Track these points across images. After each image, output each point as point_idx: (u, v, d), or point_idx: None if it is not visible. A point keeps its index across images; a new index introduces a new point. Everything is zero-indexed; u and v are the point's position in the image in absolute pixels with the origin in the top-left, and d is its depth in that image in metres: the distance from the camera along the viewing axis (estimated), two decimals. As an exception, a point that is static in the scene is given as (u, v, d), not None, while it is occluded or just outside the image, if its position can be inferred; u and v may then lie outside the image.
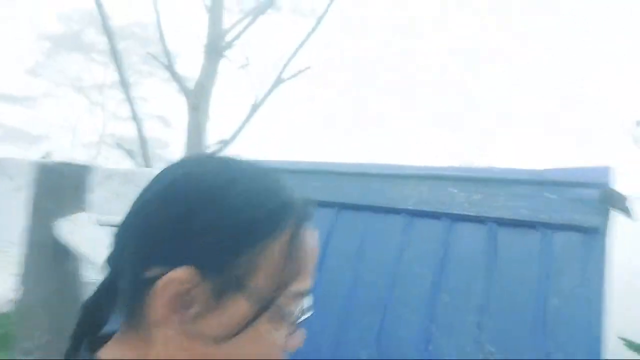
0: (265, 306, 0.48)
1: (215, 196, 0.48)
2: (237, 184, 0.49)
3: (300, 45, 9.36)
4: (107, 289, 0.52)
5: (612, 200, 1.93)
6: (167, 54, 9.16)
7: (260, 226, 0.48)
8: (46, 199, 1.70)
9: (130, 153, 8.61)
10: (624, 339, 3.49)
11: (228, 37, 9.56)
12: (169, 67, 9.26)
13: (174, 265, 0.46)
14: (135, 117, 8.76)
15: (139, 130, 8.70)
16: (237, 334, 0.47)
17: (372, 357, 1.98)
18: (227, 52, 9.61)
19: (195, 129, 9.26)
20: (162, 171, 0.53)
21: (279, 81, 9.35)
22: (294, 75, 9.53)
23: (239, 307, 0.48)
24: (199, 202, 0.47)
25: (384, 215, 2.32)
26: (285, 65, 9.34)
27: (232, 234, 0.47)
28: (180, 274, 0.46)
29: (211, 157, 0.54)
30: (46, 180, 1.74)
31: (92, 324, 0.54)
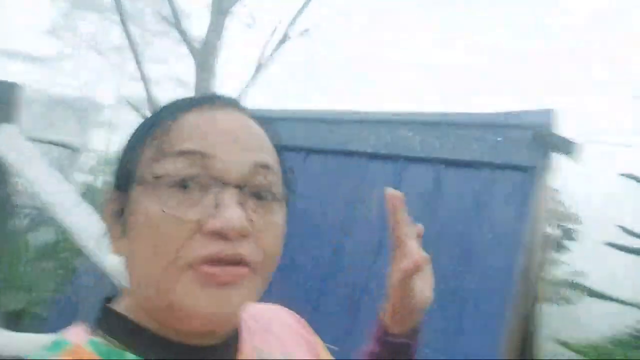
0: (120, 182, 0.50)
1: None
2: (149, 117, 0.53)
3: (307, 3, 9.25)
4: None
5: (548, 142, 2.03)
6: (174, 12, 9.19)
7: (137, 134, 0.52)
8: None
9: (139, 110, 8.83)
10: (562, 342, 3.56)
11: (234, -5, 9.50)
12: (177, 26, 9.30)
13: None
14: (143, 77, 8.91)
15: (147, 90, 8.86)
16: (124, 227, 0.49)
17: (328, 287, 2.17)
18: (233, 10, 9.57)
19: (203, 88, 9.38)
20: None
21: (284, 39, 9.33)
22: (300, 34, 9.48)
23: (115, 200, 0.51)
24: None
25: (344, 158, 2.46)
26: (290, 23, 9.30)
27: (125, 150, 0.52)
28: (107, 191, 0.51)
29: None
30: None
31: None
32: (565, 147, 2.23)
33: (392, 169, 2.33)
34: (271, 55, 9.39)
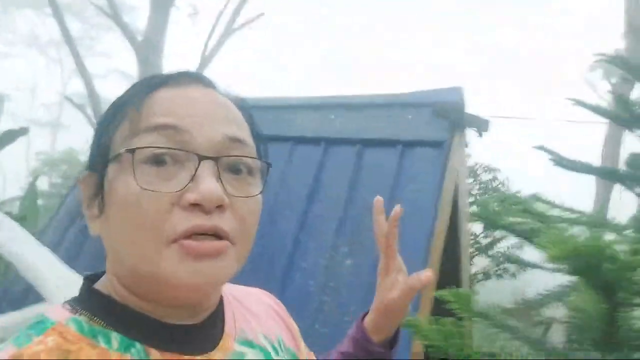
0: (94, 162, 0.51)
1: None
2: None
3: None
4: None
5: (456, 118, 2.17)
6: (112, 5, 8.92)
7: (112, 112, 0.52)
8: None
9: (80, 108, 8.56)
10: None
11: (175, -14, 9.32)
12: (116, 19, 9.04)
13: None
14: (82, 72, 8.63)
15: (87, 85, 8.59)
16: (101, 206, 0.49)
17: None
18: (176, 2, 9.38)
19: (148, 82, 9.15)
20: None
21: (229, 31, 9.27)
22: (245, 24, 9.44)
23: (90, 181, 0.52)
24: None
25: (272, 144, 2.53)
26: (235, 14, 9.24)
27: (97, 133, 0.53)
28: (83, 176, 0.53)
29: None
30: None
31: None
32: (475, 123, 2.39)
33: (317, 151, 2.42)
34: (216, 47, 9.31)
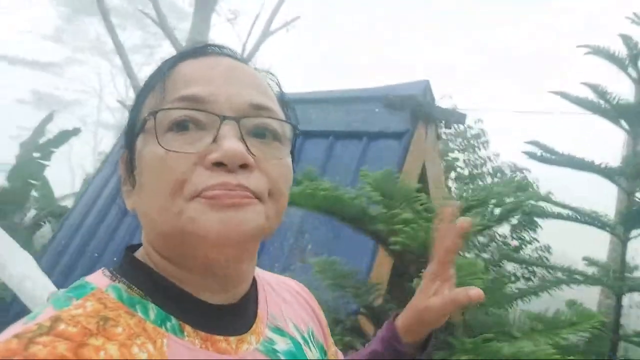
0: (128, 139, 0.51)
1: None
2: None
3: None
4: None
5: (419, 110, 2.24)
6: (157, 10, 9.47)
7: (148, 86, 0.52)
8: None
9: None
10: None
11: (216, -8, 9.75)
12: (160, 24, 9.59)
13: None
14: (131, 77, 9.25)
15: (135, 89, 9.20)
16: (133, 180, 0.50)
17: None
18: (216, 7, 9.82)
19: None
20: None
21: (266, 34, 9.58)
22: (281, 27, 9.72)
23: (125, 158, 0.52)
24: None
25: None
26: (271, 17, 9.53)
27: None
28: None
29: None
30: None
31: None
32: (447, 115, 2.45)
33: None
34: (253, 50, 9.65)
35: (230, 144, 0.45)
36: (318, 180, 1.29)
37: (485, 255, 5.05)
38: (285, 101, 0.56)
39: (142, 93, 0.52)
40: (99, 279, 0.48)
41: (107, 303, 0.45)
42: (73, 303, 0.44)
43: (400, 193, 1.36)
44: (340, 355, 0.70)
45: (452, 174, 5.35)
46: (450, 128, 2.42)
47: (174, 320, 0.47)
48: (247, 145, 0.47)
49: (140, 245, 0.53)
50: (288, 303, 0.61)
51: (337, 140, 2.46)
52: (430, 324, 0.65)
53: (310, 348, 0.58)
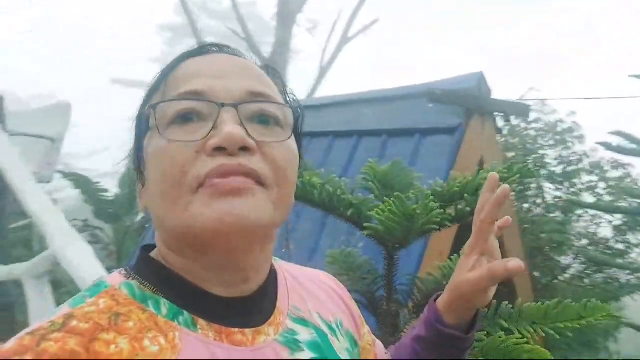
0: (140, 124, 0.51)
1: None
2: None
3: (360, 5, 9.55)
4: None
5: (471, 103, 2.18)
6: (243, 27, 10.07)
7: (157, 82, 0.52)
8: None
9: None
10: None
11: (298, 4, 10.13)
12: (247, 40, 10.17)
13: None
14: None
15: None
16: (139, 163, 0.51)
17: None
18: (297, 18, 10.19)
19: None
20: None
21: (345, 40, 9.72)
22: (359, 32, 9.80)
23: (135, 159, 0.53)
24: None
25: (311, 139, 2.80)
26: (349, 24, 9.66)
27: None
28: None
29: None
30: None
31: None
32: (505, 108, 2.33)
33: (349, 143, 2.61)
34: (332, 57, 9.85)
35: (229, 128, 0.46)
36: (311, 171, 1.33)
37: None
38: (287, 92, 0.56)
39: (148, 94, 0.53)
40: (115, 277, 0.49)
41: (120, 299, 0.46)
42: (87, 301, 0.45)
43: (401, 183, 1.34)
44: (379, 343, 0.68)
45: (543, 172, 4.99)
46: (508, 120, 2.30)
47: (186, 315, 0.47)
48: (247, 130, 0.47)
49: (152, 245, 0.54)
50: (313, 294, 0.60)
51: (389, 138, 2.45)
52: (470, 300, 0.61)
53: (337, 338, 0.56)
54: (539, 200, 5.00)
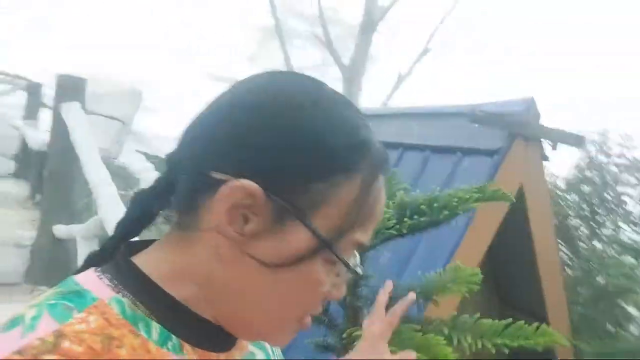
0: (326, 245, 0.44)
1: (301, 116, 0.44)
2: (322, 107, 0.45)
3: (447, 14, 9.41)
4: (163, 187, 0.49)
5: (515, 128, 2.16)
6: (326, 34, 10.33)
7: (339, 158, 0.44)
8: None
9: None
10: None
11: (380, 12, 10.21)
12: (328, 46, 10.42)
13: (240, 176, 0.43)
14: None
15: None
16: (290, 265, 0.44)
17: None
18: (378, 26, 10.27)
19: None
20: (248, 78, 0.49)
21: (425, 51, 9.62)
22: (438, 45, 9.65)
23: (298, 237, 0.44)
24: (283, 116, 0.44)
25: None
26: (431, 35, 9.56)
27: (308, 158, 0.43)
28: (248, 185, 0.42)
29: (301, 76, 0.49)
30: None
31: (136, 221, 0.51)
32: (554, 136, 2.27)
33: (393, 155, 2.67)
34: (411, 67, 9.79)
35: (344, 288, 0.49)
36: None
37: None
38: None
39: (330, 169, 0.44)
40: (99, 287, 0.45)
41: (111, 319, 0.43)
42: (74, 316, 0.41)
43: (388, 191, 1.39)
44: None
45: (620, 212, 4.67)
46: (555, 149, 2.23)
47: (174, 339, 0.46)
48: None
49: (135, 244, 0.51)
50: None
51: (432, 154, 2.47)
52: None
53: (274, 355, 0.61)
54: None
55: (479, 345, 1.05)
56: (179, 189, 0.47)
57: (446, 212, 1.23)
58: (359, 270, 0.48)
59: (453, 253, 2.03)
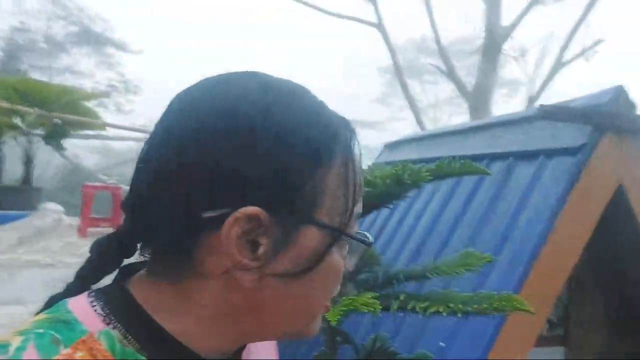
0: (337, 234, 0.44)
1: (267, 125, 0.42)
2: (283, 108, 0.43)
3: (580, 22, 8.56)
4: (128, 235, 0.46)
5: (597, 121, 1.98)
6: (446, 63, 10.22)
7: (316, 151, 0.43)
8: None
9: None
10: None
11: (504, 32, 9.78)
12: (450, 75, 10.28)
13: (233, 206, 0.40)
14: (419, 124, 10.19)
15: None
16: (314, 266, 0.44)
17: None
18: (503, 47, 9.82)
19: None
20: (178, 97, 0.46)
21: (558, 66, 8.83)
22: (579, 55, 8.76)
23: (312, 238, 0.43)
24: (253, 134, 0.41)
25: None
26: (563, 47, 8.75)
27: (291, 164, 0.42)
28: (249, 211, 0.41)
29: (237, 76, 0.46)
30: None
31: (98, 270, 0.47)
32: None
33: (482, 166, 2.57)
34: (543, 84, 9.05)
35: (353, 260, 0.50)
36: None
37: None
38: None
39: (315, 164, 0.44)
40: (89, 317, 0.42)
41: (98, 355, 0.40)
42: (61, 352, 0.39)
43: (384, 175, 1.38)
44: None
45: None
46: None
47: None
48: None
49: (129, 270, 0.48)
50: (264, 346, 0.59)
51: (516, 161, 2.33)
52: None
53: None
54: None
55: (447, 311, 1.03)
56: (164, 235, 0.43)
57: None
58: (369, 239, 0.48)
59: (530, 264, 1.88)
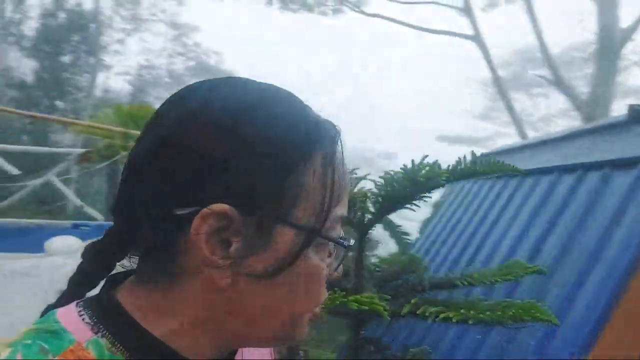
0: (312, 235, 0.44)
1: (242, 124, 0.42)
2: (259, 108, 0.43)
3: None
4: (117, 239, 0.47)
5: None
6: (555, 72, 9.56)
7: (293, 150, 0.43)
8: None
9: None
10: None
11: (622, 37, 8.91)
12: (559, 85, 9.59)
13: (204, 204, 0.41)
14: (523, 139, 9.57)
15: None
16: (287, 267, 0.43)
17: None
18: (622, 52, 8.94)
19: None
20: (169, 101, 0.46)
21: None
22: None
23: (286, 238, 0.43)
24: (227, 132, 0.42)
25: (536, 176, 2.70)
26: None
27: (265, 163, 0.42)
28: (218, 209, 0.41)
29: (221, 80, 0.47)
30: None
31: (91, 276, 0.48)
32: None
33: (571, 178, 2.41)
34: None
35: (340, 267, 0.50)
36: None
37: None
38: None
39: (292, 163, 0.44)
40: (77, 326, 0.43)
41: None
42: None
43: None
44: None
45: None
46: None
47: None
48: None
49: (116, 278, 0.48)
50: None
51: (612, 170, 2.14)
52: None
53: None
54: None
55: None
56: (145, 236, 0.44)
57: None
58: (348, 242, 0.48)
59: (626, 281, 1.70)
